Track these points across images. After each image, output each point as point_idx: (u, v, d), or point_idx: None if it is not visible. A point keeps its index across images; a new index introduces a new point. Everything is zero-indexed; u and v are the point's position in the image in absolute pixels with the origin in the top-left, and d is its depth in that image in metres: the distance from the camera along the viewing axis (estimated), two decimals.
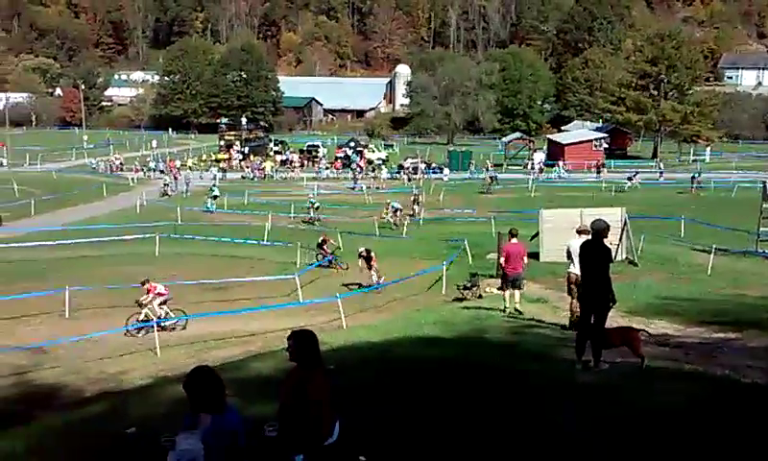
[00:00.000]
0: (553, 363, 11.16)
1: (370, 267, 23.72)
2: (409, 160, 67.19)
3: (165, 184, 53.41)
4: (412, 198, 42.44)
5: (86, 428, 10.01)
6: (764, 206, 26.16)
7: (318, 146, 78.44)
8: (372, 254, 24.00)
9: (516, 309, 16.60)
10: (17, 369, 15.91)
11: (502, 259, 17.18)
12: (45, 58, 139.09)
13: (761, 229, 26.57)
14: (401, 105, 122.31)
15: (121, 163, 68.62)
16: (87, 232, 34.39)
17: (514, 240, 17.00)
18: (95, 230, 35.04)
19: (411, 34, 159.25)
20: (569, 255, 13.58)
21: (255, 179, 62.28)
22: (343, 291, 21.63)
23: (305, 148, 77.67)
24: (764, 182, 27.33)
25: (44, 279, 24.65)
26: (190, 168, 64.59)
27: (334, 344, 13.94)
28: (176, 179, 55.78)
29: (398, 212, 38.66)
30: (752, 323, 14.15)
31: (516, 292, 16.74)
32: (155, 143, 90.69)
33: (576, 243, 12.48)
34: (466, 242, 27.83)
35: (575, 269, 12.86)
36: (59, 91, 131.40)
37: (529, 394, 9.40)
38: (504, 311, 16.62)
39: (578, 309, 11.79)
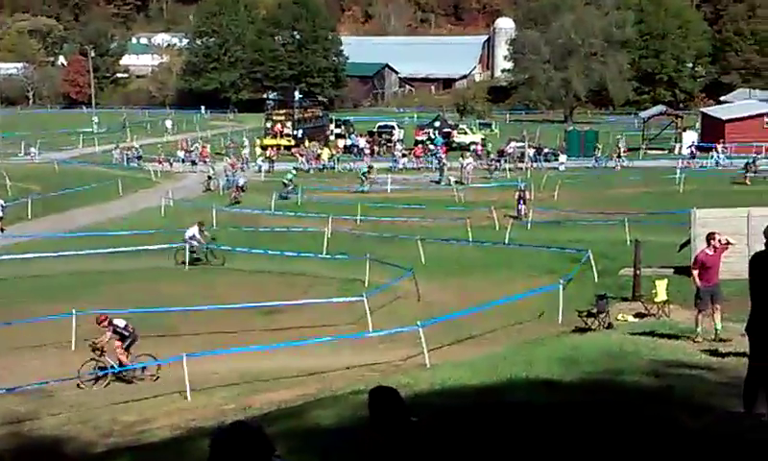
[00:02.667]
0: (716, 417, 10.90)
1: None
2: (513, 144, 66.80)
3: (210, 177, 54.91)
4: (517, 194, 42.20)
5: None
6: None
7: (393, 127, 78.73)
8: None
9: (716, 332, 16.92)
10: (13, 416, 16.49)
11: (695, 271, 17.52)
12: (45, 18, 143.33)
13: None
14: (503, 71, 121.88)
15: (138, 153, 70.33)
16: (100, 240, 35.47)
17: (708, 250, 17.54)
18: (109, 238, 36.10)
19: None
20: None
21: (311, 170, 63.01)
22: (423, 317, 21.65)
23: (376, 130, 78.08)
24: None
25: (48, 299, 25.54)
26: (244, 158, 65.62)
27: (416, 387, 13.96)
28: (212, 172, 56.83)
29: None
30: None
31: (718, 310, 17.01)
32: (169, 124, 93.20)
33: None
34: (590, 253, 27.50)
35: None
36: (62, 60, 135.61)
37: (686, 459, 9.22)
38: (696, 340, 16.63)
39: None
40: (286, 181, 50.53)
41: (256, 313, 23.89)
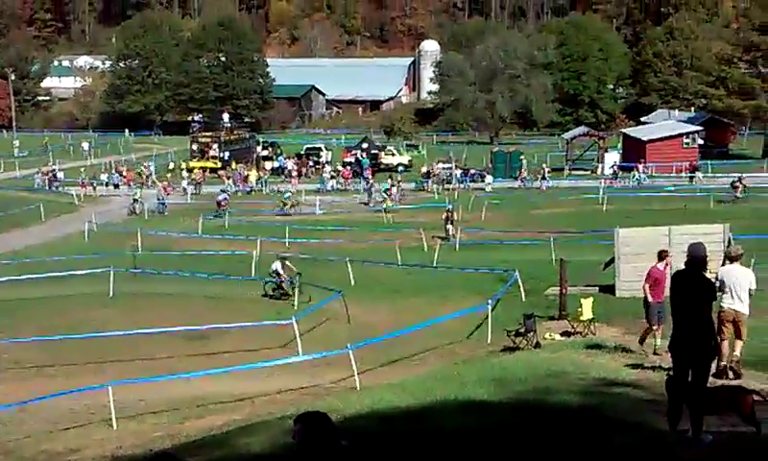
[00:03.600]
0: (643, 435, 11.09)
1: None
2: (440, 165, 67.32)
3: (135, 200, 54.23)
4: (444, 215, 42.49)
5: None
6: None
7: (320, 149, 78.77)
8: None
9: (655, 348, 17.37)
10: None
11: (647, 285, 17.77)
12: None
13: None
14: (429, 93, 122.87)
15: (55, 176, 68.92)
16: (21, 268, 34.70)
17: (660, 263, 18.04)
18: (31, 265, 35.35)
19: (440, 0, 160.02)
20: (722, 286, 14.30)
21: (239, 192, 62.73)
22: (354, 340, 21.64)
23: (303, 152, 78.04)
24: None
25: None
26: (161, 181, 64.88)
27: (346, 411, 13.93)
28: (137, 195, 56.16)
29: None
30: None
31: (661, 327, 17.45)
32: (86, 146, 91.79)
33: (730, 271, 14.26)
34: (517, 273, 27.79)
35: (733, 303, 14.27)
36: None
37: None
38: (657, 353, 17.02)
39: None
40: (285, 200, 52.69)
41: (184, 338, 23.58)
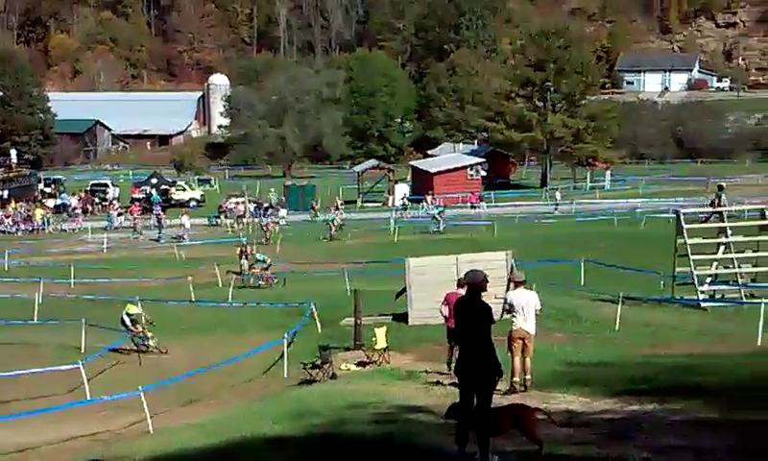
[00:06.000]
0: (433, 459, 11.33)
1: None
2: (232, 200, 66.88)
3: None
4: (239, 250, 42.12)
5: None
6: (680, 241, 27.80)
7: (107, 185, 76.75)
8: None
9: (449, 367, 17.59)
10: None
11: (445, 309, 18.01)
12: None
13: (678, 269, 28.27)
14: (219, 127, 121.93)
15: None
16: None
17: (461, 290, 17.96)
18: None
19: (228, 34, 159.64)
20: (511, 308, 15.44)
21: (20, 232, 60.02)
22: (146, 382, 21.03)
23: (89, 188, 75.74)
24: (677, 212, 29.19)
25: None
26: None
27: (137, 456, 13.52)
28: None
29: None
30: (673, 389, 14.99)
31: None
32: None
33: (518, 295, 15.41)
34: (313, 306, 27.89)
35: (523, 324, 15.38)
36: None
37: None
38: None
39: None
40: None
41: None
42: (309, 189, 72.67)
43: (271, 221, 56.27)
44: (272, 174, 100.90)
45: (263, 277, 38.86)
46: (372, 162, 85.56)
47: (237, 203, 65.57)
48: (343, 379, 19.75)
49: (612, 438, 12.09)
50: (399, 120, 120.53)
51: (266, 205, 67.23)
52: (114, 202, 69.52)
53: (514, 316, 15.51)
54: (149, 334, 26.28)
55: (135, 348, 26.09)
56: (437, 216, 54.47)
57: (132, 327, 26.30)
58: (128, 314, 26.35)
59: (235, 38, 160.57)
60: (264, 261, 39.28)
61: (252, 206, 65.79)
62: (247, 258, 41.28)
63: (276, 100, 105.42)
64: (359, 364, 21.70)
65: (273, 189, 76.48)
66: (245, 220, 61.80)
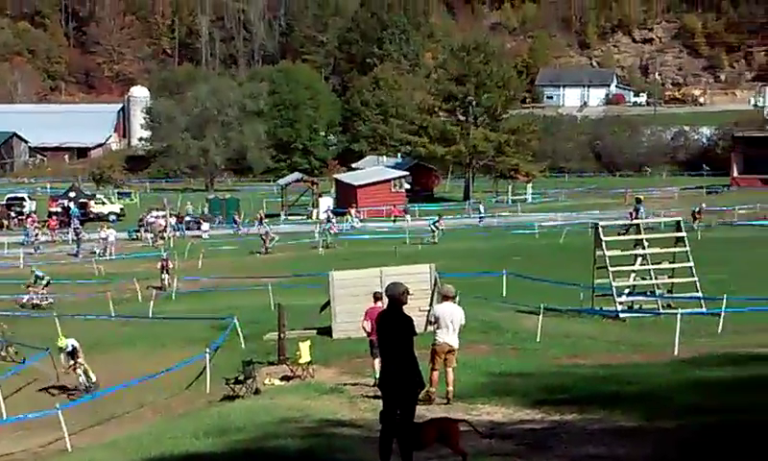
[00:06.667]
0: None
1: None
2: (153, 214, 66.00)
3: None
4: (160, 264, 41.58)
5: None
6: (598, 253, 28.33)
7: (23, 198, 75.20)
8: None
9: (375, 380, 17.57)
10: None
11: (367, 325, 18.11)
12: None
13: (597, 281, 28.78)
14: (140, 139, 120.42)
15: None
16: None
17: (379, 304, 18.25)
18: None
19: (148, 46, 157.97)
20: (437, 321, 15.61)
21: None
22: (64, 400, 20.65)
23: (5, 202, 74.12)
24: (596, 225, 29.73)
25: None
26: None
27: None
28: None
29: None
30: (591, 398, 15.25)
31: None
32: None
33: (444, 308, 15.58)
34: (236, 320, 27.65)
35: (447, 337, 15.48)
36: None
37: None
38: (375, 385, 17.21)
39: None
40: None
41: None
42: (232, 203, 72.11)
43: (269, 229, 56.21)
44: (193, 187, 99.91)
45: (40, 296, 37.25)
46: (296, 175, 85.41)
47: (158, 217, 64.69)
48: (266, 394, 19.60)
49: (533, 448, 12.25)
50: (324, 133, 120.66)
51: (187, 218, 66.64)
52: (31, 216, 68.02)
53: (439, 329, 15.61)
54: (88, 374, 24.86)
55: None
56: (432, 226, 54.62)
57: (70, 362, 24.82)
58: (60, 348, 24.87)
59: (156, 50, 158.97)
60: (43, 278, 37.68)
61: (172, 220, 65.01)
62: (168, 273, 40.83)
63: (197, 112, 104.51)
64: (283, 379, 21.57)
65: (189, 202, 76.02)
66: (166, 234, 61.01)
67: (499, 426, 13.83)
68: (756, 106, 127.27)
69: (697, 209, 55.35)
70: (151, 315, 33.40)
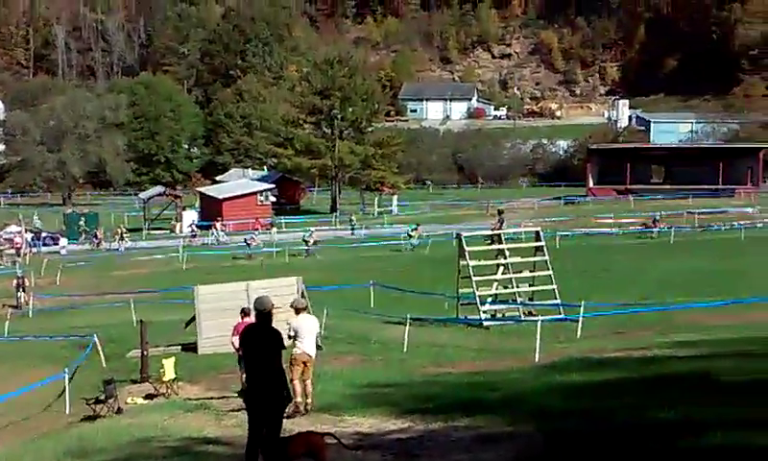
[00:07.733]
0: None
1: None
2: (7, 230, 63.74)
3: None
4: (15, 282, 40.18)
5: None
6: (462, 263, 28.83)
7: None
8: None
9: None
10: None
11: (236, 341, 17.65)
12: None
13: (461, 290, 29.27)
14: None
15: None
16: None
17: (247, 319, 18.19)
18: None
19: (1, 57, 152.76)
20: (296, 334, 15.91)
21: None
22: None
23: None
24: (459, 235, 30.24)
25: None
26: None
27: None
28: None
29: None
30: (457, 406, 15.49)
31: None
32: None
33: (301, 320, 16.03)
34: (95, 338, 26.92)
35: (305, 348, 15.84)
36: None
37: None
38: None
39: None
40: None
41: None
42: (91, 218, 70.19)
43: (253, 235, 55.95)
44: (51, 202, 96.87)
45: None
46: (159, 189, 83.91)
47: (15, 233, 62.46)
48: (129, 414, 19.14)
49: (400, 458, 12.36)
50: (187, 146, 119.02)
51: (38, 232, 64.79)
52: None
53: (298, 340, 15.89)
54: None
55: None
56: (410, 233, 54.30)
57: None
58: None
59: (10, 61, 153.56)
60: None
61: (29, 236, 62.86)
62: (24, 291, 39.52)
63: (53, 124, 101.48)
64: (147, 397, 21.11)
65: (36, 214, 73.84)
66: (22, 250, 58.91)
67: (366, 438, 13.90)
68: (609, 119, 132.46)
69: (658, 217, 58.12)
70: (6, 334, 32.25)
